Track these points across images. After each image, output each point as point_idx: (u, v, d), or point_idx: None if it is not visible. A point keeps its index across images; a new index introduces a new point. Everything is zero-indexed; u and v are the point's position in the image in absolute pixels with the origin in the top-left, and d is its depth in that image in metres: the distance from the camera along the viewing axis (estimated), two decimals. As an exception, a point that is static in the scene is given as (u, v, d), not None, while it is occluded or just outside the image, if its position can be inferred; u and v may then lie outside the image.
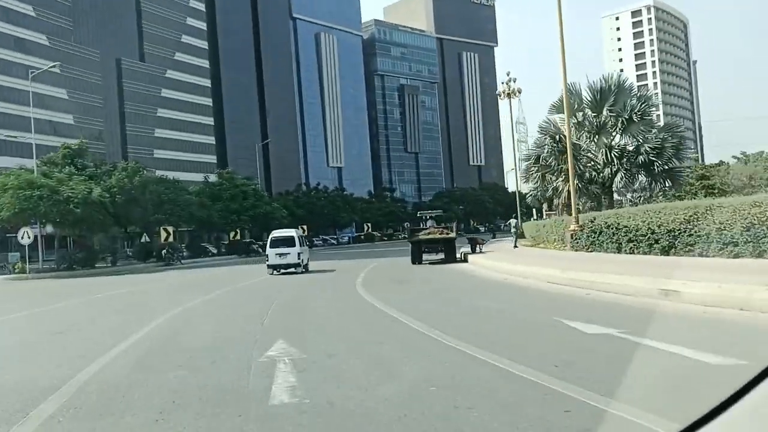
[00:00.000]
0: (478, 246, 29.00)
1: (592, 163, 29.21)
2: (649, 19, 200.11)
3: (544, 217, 51.71)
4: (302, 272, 26.00)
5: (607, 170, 27.71)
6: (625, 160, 27.67)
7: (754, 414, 0.89)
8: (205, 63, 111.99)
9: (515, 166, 52.01)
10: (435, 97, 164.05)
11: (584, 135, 29.28)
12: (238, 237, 66.98)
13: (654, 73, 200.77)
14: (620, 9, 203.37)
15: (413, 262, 27.84)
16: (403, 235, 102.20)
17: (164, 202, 55.51)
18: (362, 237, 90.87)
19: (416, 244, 28.08)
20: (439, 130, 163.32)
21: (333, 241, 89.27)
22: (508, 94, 50.07)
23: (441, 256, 28.31)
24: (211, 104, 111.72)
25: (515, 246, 31.18)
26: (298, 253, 26.05)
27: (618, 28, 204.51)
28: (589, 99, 28.53)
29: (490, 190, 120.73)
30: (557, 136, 28.95)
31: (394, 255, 36.87)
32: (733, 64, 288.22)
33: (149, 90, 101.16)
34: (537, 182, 45.19)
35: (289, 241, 26.41)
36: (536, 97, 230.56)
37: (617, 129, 28.14)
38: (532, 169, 32.26)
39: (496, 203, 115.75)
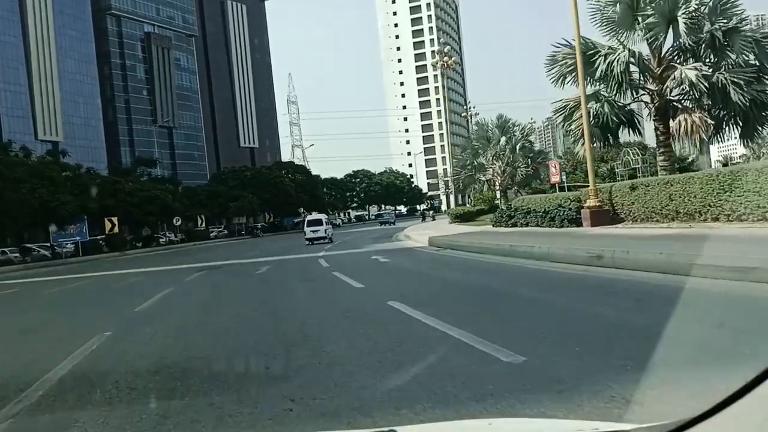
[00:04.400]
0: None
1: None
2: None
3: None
4: (329, 242, 34.78)
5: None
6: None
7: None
8: None
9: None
10: (193, 56, 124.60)
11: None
12: None
13: (433, 52, 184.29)
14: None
15: None
16: (174, 238, 63.73)
17: None
18: (102, 242, 51.44)
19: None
20: (199, 99, 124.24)
21: (46, 250, 48.35)
22: None
23: None
24: None
25: None
26: (325, 230, 36.61)
27: (394, 1, 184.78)
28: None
29: (289, 171, 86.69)
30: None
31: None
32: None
33: None
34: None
35: (318, 222, 37.54)
36: (309, 74, 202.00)
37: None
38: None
39: (298, 189, 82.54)
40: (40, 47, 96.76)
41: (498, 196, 43.19)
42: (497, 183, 43.32)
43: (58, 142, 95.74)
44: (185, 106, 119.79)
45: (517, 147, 42.84)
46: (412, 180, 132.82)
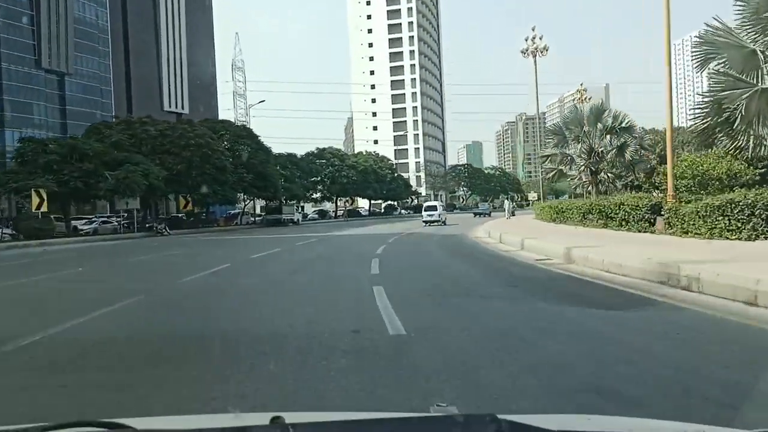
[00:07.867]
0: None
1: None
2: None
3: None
4: (441, 224, 40.95)
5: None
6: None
7: None
8: None
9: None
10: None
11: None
12: None
13: (411, 38, 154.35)
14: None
15: None
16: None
17: None
18: None
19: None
20: (109, 42, 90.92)
21: None
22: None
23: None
24: None
25: None
26: (439, 214, 43.47)
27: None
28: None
29: (225, 134, 54.54)
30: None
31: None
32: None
33: None
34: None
35: (434, 208, 45.13)
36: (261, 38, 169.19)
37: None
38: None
39: (238, 163, 51.05)
40: None
41: None
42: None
43: None
44: (87, 48, 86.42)
45: None
46: (395, 168, 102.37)
